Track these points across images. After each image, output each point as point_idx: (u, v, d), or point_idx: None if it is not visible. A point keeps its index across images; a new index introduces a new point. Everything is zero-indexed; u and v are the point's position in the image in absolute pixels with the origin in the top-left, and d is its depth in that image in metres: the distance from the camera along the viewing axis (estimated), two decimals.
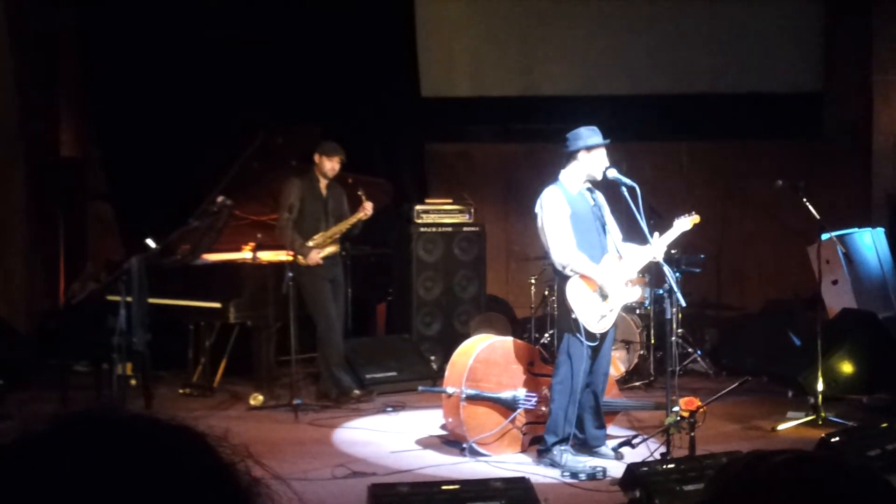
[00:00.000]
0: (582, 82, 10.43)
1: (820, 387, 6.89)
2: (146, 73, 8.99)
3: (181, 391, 7.86)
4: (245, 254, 7.76)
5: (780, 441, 6.47)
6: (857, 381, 7.59)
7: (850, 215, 9.13)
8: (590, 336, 5.79)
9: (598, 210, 6.04)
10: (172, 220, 7.48)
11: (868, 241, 9.00)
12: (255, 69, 9.03)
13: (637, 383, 8.28)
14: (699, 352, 8.82)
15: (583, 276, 5.77)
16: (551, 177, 6.05)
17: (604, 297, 5.81)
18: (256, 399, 7.49)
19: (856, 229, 8.96)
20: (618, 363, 8.25)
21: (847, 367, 7.65)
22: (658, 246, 5.92)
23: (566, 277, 5.77)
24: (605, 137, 5.97)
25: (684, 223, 6.06)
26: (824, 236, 7.95)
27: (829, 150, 10.11)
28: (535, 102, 10.44)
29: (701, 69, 10.42)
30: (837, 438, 5.54)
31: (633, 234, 6.17)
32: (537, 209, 5.93)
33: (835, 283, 8.75)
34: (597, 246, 5.92)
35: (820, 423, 6.76)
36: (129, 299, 6.70)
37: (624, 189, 5.88)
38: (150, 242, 6.74)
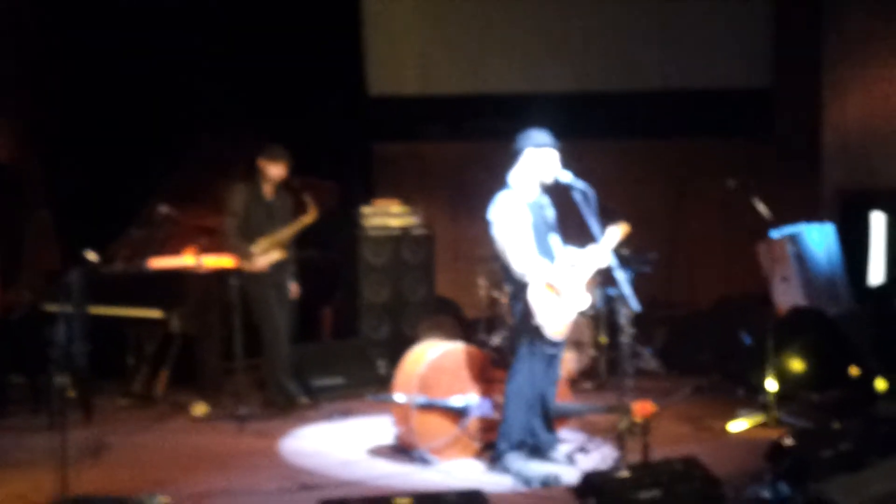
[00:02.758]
0: (532, 80, 10.34)
1: (771, 385, 6.87)
2: (85, 77, 8.75)
3: (121, 402, 7.65)
4: (188, 259, 7.57)
5: (734, 442, 6.43)
6: (807, 379, 7.60)
7: (799, 212, 9.13)
8: (551, 342, 5.71)
9: (550, 214, 5.96)
10: (112, 226, 7.28)
11: (816, 238, 9.01)
12: (196, 69, 8.81)
13: (588, 385, 8.21)
14: (649, 350, 8.78)
15: (544, 283, 5.67)
16: (502, 176, 5.93)
17: (562, 302, 5.73)
18: (200, 409, 7.32)
19: (805, 226, 8.97)
20: (569, 364, 8.17)
21: (797, 365, 7.65)
22: (602, 255, 5.83)
23: (526, 284, 5.66)
24: (556, 138, 5.87)
25: (616, 232, 5.95)
26: (774, 234, 7.95)
27: (779, 148, 10.13)
28: (484, 101, 10.33)
29: (650, 66, 10.38)
30: (791, 441, 5.49)
31: (585, 236, 6.07)
32: (492, 216, 5.81)
33: (784, 280, 8.75)
34: (550, 252, 5.85)
35: (771, 422, 6.74)
36: (68, 310, 6.48)
37: (577, 192, 5.78)
38: (90, 254, 6.52)
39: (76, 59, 8.80)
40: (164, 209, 7.48)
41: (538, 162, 5.81)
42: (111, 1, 8.91)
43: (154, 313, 7.45)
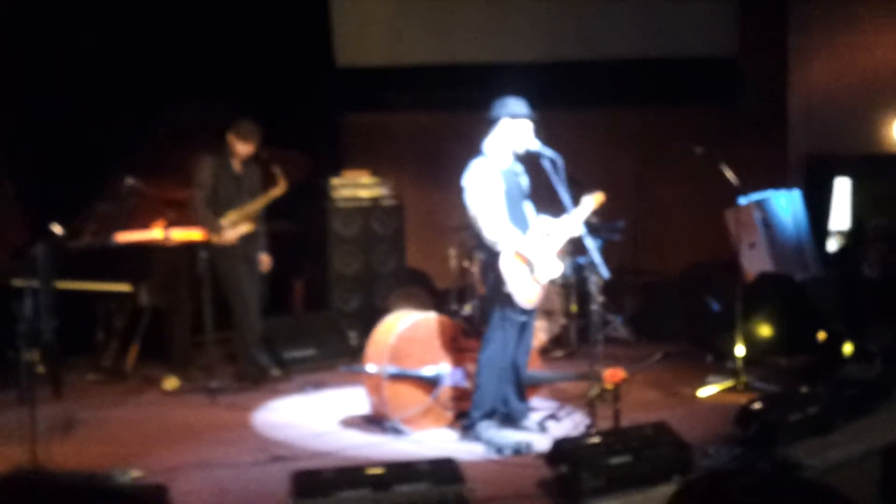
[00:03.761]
0: (500, 49, 10.30)
1: (739, 351, 6.93)
2: (49, 49, 8.60)
3: (91, 377, 7.60)
4: (156, 232, 7.51)
5: (703, 407, 6.49)
6: (775, 344, 7.69)
7: (766, 178, 9.19)
8: (522, 310, 5.73)
9: (523, 182, 5.97)
10: (79, 199, 7.19)
11: (784, 204, 9.08)
12: (163, 41, 8.69)
13: (559, 353, 8.25)
14: (620, 318, 8.83)
15: (515, 251, 5.69)
16: (472, 146, 5.92)
17: (533, 271, 5.75)
18: (171, 383, 7.29)
19: (772, 192, 9.04)
20: (539, 333, 8.21)
21: (765, 330, 7.73)
22: (574, 224, 5.86)
23: (497, 252, 5.68)
24: (529, 107, 5.87)
25: (590, 202, 5.98)
26: (741, 201, 7.99)
27: (746, 114, 10.17)
28: (453, 70, 10.29)
29: (618, 35, 10.37)
30: (759, 405, 5.55)
31: (554, 204, 6.09)
32: (466, 182, 5.81)
33: (752, 246, 8.82)
34: (524, 220, 5.85)
35: (740, 387, 6.81)
36: (35, 285, 6.41)
37: (546, 161, 5.79)
38: (55, 228, 6.44)
39: (40, 31, 8.64)
40: (131, 182, 7.40)
41: (513, 131, 5.81)
42: None
43: (122, 287, 7.38)
